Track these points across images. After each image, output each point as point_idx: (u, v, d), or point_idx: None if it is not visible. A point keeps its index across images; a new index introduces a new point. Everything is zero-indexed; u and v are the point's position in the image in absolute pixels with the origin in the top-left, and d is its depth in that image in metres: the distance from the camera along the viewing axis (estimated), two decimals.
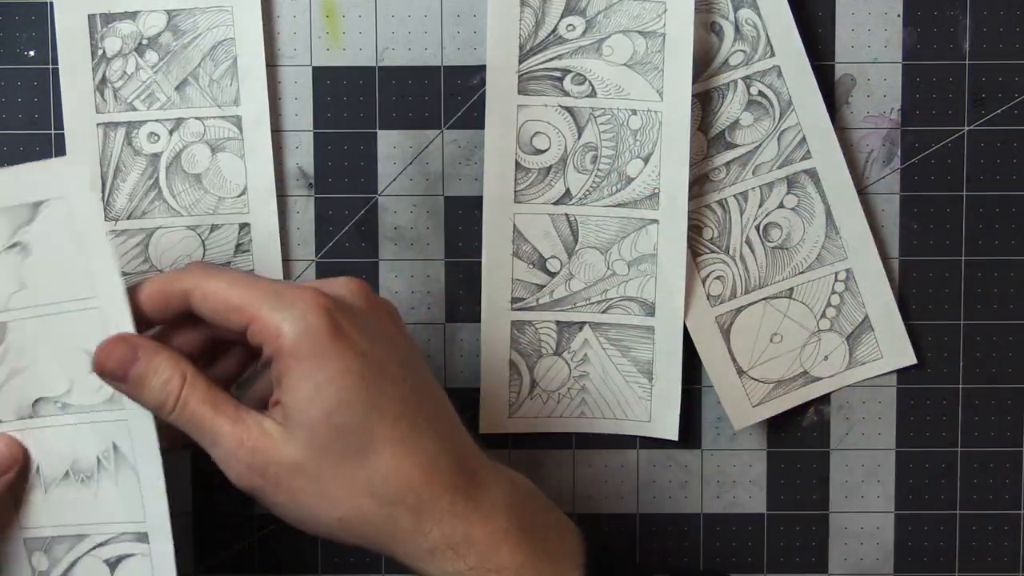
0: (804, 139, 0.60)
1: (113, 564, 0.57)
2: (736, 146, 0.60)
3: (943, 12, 0.60)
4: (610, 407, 0.61)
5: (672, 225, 0.60)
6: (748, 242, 0.61)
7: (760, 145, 0.60)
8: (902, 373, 0.61)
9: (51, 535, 0.56)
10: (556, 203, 0.60)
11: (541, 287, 0.61)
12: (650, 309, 0.60)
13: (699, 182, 0.60)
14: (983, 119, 0.60)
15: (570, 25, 0.59)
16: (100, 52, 0.59)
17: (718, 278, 0.60)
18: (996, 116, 0.60)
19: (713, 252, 0.60)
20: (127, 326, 0.51)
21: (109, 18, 0.59)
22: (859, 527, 0.62)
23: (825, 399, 0.62)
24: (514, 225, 0.60)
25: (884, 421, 0.62)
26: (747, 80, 0.60)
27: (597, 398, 0.61)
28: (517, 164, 0.60)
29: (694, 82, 0.59)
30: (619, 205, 0.60)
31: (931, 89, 0.60)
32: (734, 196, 0.60)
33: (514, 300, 0.60)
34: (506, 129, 0.60)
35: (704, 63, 0.60)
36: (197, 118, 0.60)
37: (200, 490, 0.61)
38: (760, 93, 0.60)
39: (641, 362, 0.61)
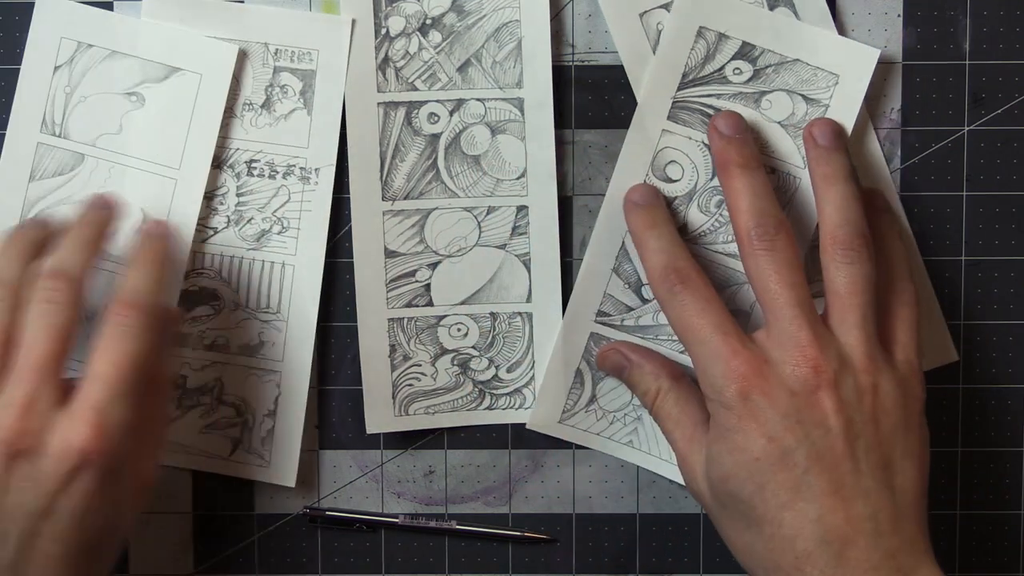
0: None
1: None
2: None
3: (943, 12, 0.60)
4: (659, 446, 0.60)
5: None
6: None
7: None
8: None
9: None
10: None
11: (630, 309, 0.60)
12: None
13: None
14: (983, 119, 0.60)
15: (737, 69, 0.58)
16: (383, 31, 0.58)
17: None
18: (996, 116, 0.60)
19: None
20: (195, 203, 0.58)
21: None
22: None
23: None
24: (623, 243, 0.60)
25: None
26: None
27: (649, 433, 0.61)
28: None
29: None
30: (730, 255, 0.59)
31: (931, 89, 0.60)
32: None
33: (600, 313, 0.60)
34: (645, 149, 0.59)
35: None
36: (478, 99, 0.59)
37: (200, 490, 0.61)
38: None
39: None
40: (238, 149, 0.59)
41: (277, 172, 0.59)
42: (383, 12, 0.58)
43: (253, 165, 0.59)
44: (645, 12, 0.59)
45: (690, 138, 0.59)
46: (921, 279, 0.60)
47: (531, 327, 0.60)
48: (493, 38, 0.59)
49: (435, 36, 0.59)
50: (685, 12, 0.58)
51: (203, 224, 0.59)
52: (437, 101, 0.59)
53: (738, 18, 0.58)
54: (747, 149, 0.56)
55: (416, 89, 0.59)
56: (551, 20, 0.59)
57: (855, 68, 0.58)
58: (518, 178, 0.59)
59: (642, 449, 0.61)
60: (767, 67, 0.58)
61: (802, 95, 0.58)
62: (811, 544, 0.50)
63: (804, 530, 0.50)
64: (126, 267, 0.54)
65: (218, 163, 0.59)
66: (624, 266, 0.60)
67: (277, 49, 0.58)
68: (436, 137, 0.59)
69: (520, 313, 0.60)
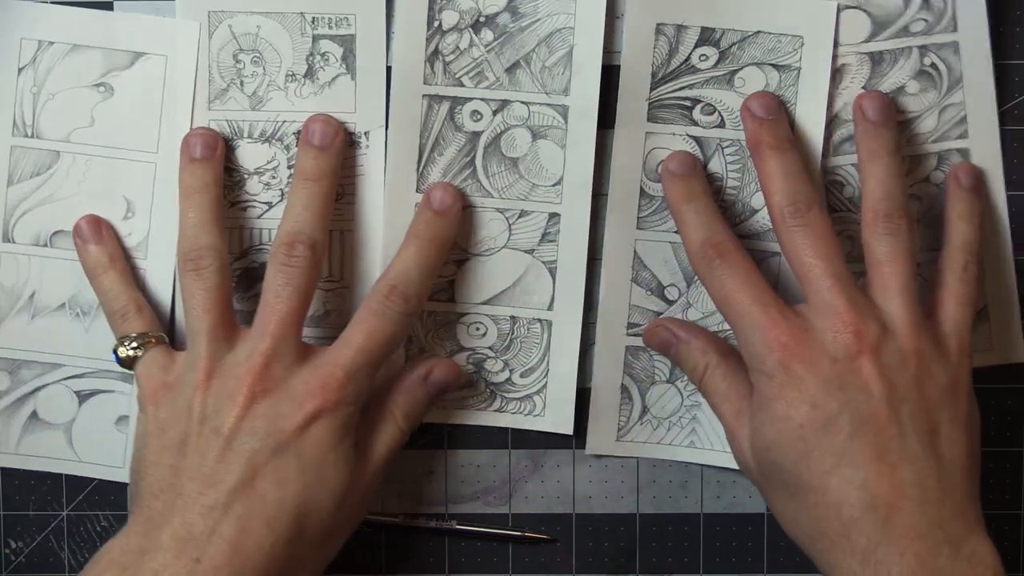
0: (965, 119, 0.59)
1: (85, 396, 0.59)
2: (896, 112, 0.59)
3: None
4: (720, 440, 0.60)
5: None
6: None
7: (920, 116, 0.59)
8: None
9: (22, 359, 0.58)
10: (678, 232, 0.59)
11: (658, 314, 0.60)
12: None
13: (851, 140, 0.59)
14: None
15: (703, 55, 0.59)
16: (436, 24, 0.58)
17: (849, 237, 0.59)
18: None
19: (848, 211, 0.59)
20: (177, 186, 0.57)
21: None
22: None
23: None
24: (635, 251, 0.60)
25: None
26: (923, 49, 0.59)
27: (708, 430, 0.61)
28: (641, 191, 0.59)
29: (871, 39, 0.59)
30: (742, 237, 0.59)
31: None
32: None
33: (630, 325, 0.60)
34: (633, 156, 0.59)
35: (884, 24, 0.59)
36: (523, 102, 0.59)
37: None
38: (932, 65, 0.59)
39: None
40: (285, 121, 0.59)
41: None
42: (437, 5, 0.58)
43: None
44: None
45: (674, 134, 0.59)
46: (1001, 268, 0.60)
47: (549, 335, 0.60)
48: (545, 43, 0.58)
49: (487, 34, 0.58)
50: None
51: (256, 200, 0.59)
52: (482, 99, 0.59)
53: (691, 6, 0.58)
54: (780, 130, 0.56)
55: (462, 85, 0.59)
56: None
57: (817, 25, 0.58)
58: (553, 185, 0.59)
59: (704, 447, 0.61)
60: (731, 46, 0.59)
61: (772, 64, 0.59)
62: (857, 511, 0.50)
63: (850, 496, 0.50)
64: (404, 238, 0.57)
65: (266, 137, 0.59)
66: (641, 273, 0.60)
67: (314, 17, 0.58)
68: (477, 135, 0.59)
69: (540, 320, 0.60)
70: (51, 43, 0.58)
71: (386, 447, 0.56)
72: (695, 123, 0.59)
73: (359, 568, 0.62)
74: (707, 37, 0.59)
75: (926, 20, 0.59)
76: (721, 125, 0.59)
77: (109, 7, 0.59)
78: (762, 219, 0.59)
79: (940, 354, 0.53)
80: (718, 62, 0.59)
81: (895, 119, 0.57)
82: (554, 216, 0.60)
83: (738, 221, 0.59)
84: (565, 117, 0.59)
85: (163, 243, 0.59)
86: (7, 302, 0.59)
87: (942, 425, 0.52)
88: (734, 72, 0.59)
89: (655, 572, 0.62)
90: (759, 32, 0.58)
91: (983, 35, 0.59)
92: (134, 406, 0.57)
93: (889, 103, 0.57)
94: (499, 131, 0.59)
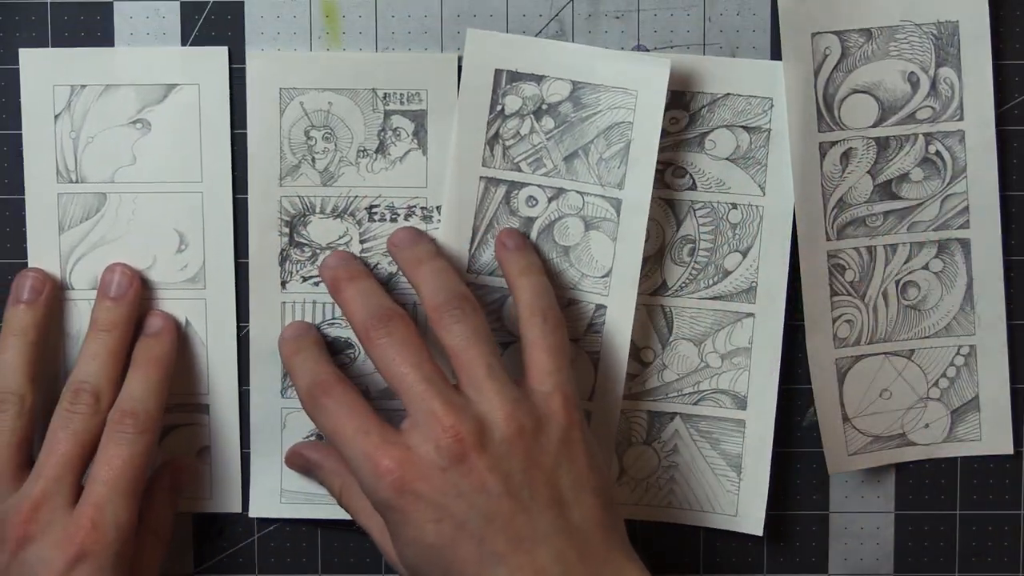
0: (967, 209, 0.60)
1: (164, 433, 0.59)
2: (899, 198, 0.60)
3: None
4: (698, 499, 0.60)
5: (769, 319, 0.60)
6: (884, 294, 0.60)
7: (922, 204, 0.60)
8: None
9: None
10: (652, 294, 0.60)
11: (634, 376, 0.60)
12: (742, 403, 0.60)
13: (854, 224, 0.60)
14: None
15: (673, 119, 0.59)
16: (499, 108, 0.59)
17: (847, 321, 0.60)
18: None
19: (849, 295, 0.60)
20: (227, 213, 0.59)
21: (515, 76, 0.59)
22: (859, 527, 0.62)
23: None
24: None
25: None
26: (928, 137, 0.59)
27: (685, 489, 0.61)
28: None
29: (878, 124, 0.59)
30: (715, 298, 0.60)
31: None
32: (883, 246, 0.60)
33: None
34: None
35: (891, 109, 0.59)
36: (578, 192, 0.59)
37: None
38: (937, 153, 0.59)
39: (731, 455, 0.60)
40: (357, 196, 0.59)
41: (398, 214, 0.59)
42: (502, 89, 0.59)
43: (374, 210, 0.59)
44: (817, 33, 0.59)
45: None
46: (995, 362, 0.60)
47: (588, 424, 0.59)
48: (604, 135, 0.59)
49: (548, 122, 0.59)
50: None
51: None
52: (538, 186, 0.59)
53: None
54: (352, 265, 0.57)
55: (520, 170, 0.59)
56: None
57: (785, 87, 0.59)
58: (602, 277, 0.59)
59: (683, 507, 0.61)
60: (701, 108, 0.59)
61: (742, 126, 0.59)
62: None
63: None
64: (130, 369, 0.57)
65: (337, 213, 0.59)
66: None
67: (386, 93, 0.59)
68: (531, 221, 0.59)
69: (583, 411, 0.60)
70: (83, 86, 0.58)
71: (153, 564, 0.57)
72: (667, 186, 0.59)
73: (359, 568, 0.62)
74: (677, 100, 0.59)
75: (933, 108, 0.59)
76: (693, 188, 0.59)
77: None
78: (735, 280, 0.60)
79: (544, 421, 0.52)
80: (688, 125, 0.59)
81: (426, 239, 0.58)
82: (600, 308, 0.59)
83: (711, 283, 0.60)
84: (618, 210, 0.59)
85: (220, 271, 0.59)
86: (75, 350, 0.59)
87: (565, 492, 0.51)
88: (704, 134, 0.59)
89: (655, 572, 0.62)
90: (728, 95, 0.59)
91: (989, 125, 0.59)
92: (215, 436, 0.60)
93: (415, 232, 0.58)
94: (553, 219, 0.59)
